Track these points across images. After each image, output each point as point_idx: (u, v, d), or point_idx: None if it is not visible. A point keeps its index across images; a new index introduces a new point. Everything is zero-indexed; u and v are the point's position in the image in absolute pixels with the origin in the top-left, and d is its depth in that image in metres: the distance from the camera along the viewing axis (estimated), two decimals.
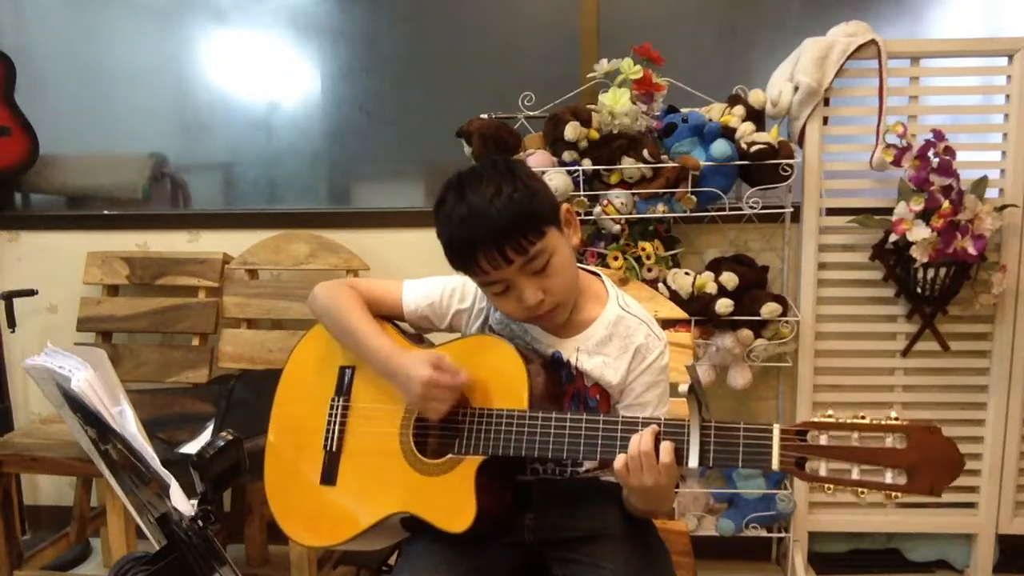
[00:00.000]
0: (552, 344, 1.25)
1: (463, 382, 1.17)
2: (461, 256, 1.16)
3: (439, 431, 1.21)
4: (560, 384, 1.24)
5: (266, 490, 1.32)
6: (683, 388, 1.03)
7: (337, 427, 1.29)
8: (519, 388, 1.16)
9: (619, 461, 1.08)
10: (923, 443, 0.96)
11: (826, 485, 0.99)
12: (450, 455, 1.18)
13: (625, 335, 1.24)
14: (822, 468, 0.99)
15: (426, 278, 1.36)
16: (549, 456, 1.15)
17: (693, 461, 1.05)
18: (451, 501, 1.16)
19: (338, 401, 1.30)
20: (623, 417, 1.13)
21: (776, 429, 1.02)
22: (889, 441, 0.97)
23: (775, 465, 1.01)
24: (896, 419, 0.97)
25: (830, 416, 1.00)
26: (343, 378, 1.31)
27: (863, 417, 0.99)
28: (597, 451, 1.12)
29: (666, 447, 1.06)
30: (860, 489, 0.98)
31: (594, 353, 1.23)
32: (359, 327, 1.27)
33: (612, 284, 1.31)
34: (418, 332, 1.37)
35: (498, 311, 1.28)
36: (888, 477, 0.97)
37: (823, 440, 0.99)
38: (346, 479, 1.26)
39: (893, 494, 0.97)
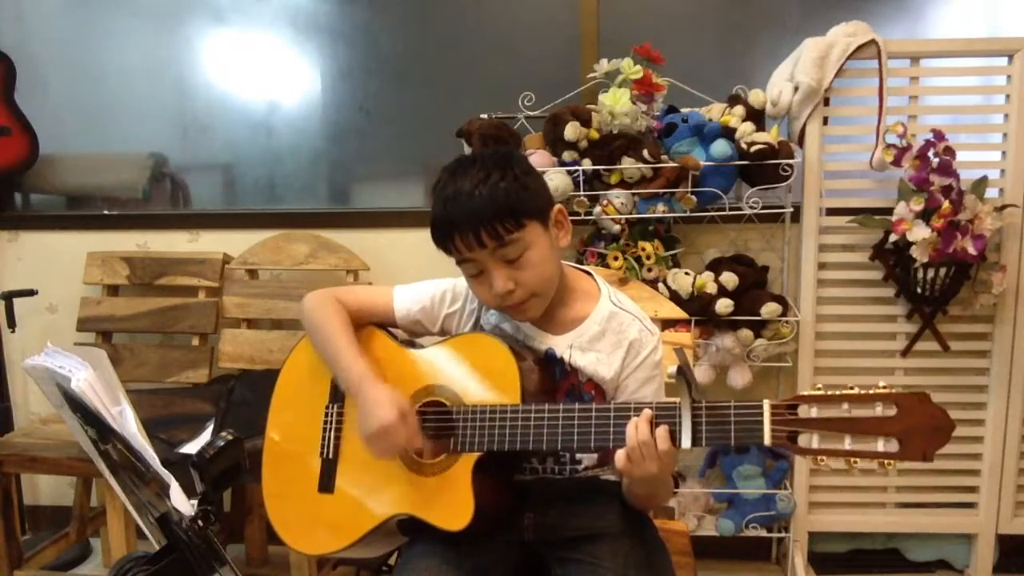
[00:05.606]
0: (545, 341, 1.25)
1: (414, 447, 1.18)
2: (439, 233, 1.18)
3: (434, 431, 1.20)
4: (553, 381, 1.24)
5: (264, 499, 1.31)
6: (671, 370, 1.03)
7: (333, 434, 1.28)
8: (512, 383, 1.17)
9: (620, 456, 1.07)
10: (913, 410, 0.96)
11: (819, 457, 0.99)
12: (446, 454, 1.18)
13: (618, 330, 1.24)
14: (814, 440, 0.99)
15: (416, 283, 1.36)
16: (544, 448, 1.15)
17: (686, 442, 1.04)
18: (449, 500, 1.16)
19: (332, 408, 1.30)
20: (615, 404, 1.13)
21: (766, 404, 1.02)
22: (879, 410, 0.97)
23: (767, 440, 1.01)
24: (885, 388, 0.97)
25: (819, 389, 1.00)
26: (337, 385, 1.30)
27: (852, 388, 0.99)
28: (591, 440, 1.12)
29: (661, 433, 1.05)
30: (853, 459, 0.98)
31: (587, 349, 1.24)
32: (336, 343, 1.26)
33: (604, 282, 1.31)
34: (410, 338, 1.37)
35: (490, 313, 1.29)
36: (880, 445, 0.97)
37: (813, 412, 0.99)
38: (344, 485, 1.26)
39: (887, 463, 0.97)
